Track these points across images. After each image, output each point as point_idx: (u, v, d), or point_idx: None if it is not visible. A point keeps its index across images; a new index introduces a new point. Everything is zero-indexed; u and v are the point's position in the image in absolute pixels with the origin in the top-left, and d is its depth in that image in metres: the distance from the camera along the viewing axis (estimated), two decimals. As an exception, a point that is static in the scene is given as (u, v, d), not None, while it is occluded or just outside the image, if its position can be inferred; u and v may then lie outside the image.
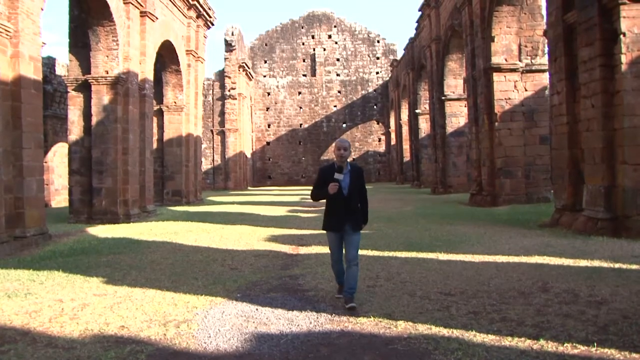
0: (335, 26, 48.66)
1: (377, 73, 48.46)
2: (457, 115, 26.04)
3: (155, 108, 20.94)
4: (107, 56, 15.22)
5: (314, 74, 48.32)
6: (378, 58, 48.55)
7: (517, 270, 6.90)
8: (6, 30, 9.68)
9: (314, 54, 48.33)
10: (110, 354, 4.16)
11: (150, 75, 17.67)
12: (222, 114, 38.24)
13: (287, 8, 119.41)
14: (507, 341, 4.22)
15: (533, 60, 17.51)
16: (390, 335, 4.48)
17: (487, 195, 17.46)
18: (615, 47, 9.67)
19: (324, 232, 5.72)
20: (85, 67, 15.26)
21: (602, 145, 9.83)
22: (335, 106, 48.28)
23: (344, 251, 5.60)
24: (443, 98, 26.26)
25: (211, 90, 38.36)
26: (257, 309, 5.38)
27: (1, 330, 4.82)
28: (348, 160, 5.58)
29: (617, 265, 6.92)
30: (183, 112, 22.46)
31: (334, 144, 5.65)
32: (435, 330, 4.55)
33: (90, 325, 4.91)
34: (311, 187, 5.82)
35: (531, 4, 17.22)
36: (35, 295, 6.12)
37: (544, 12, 15.37)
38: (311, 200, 6.20)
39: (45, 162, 21.84)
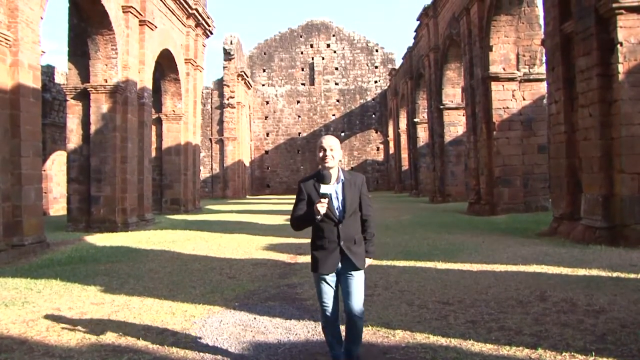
0: (333, 35, 48.84)
1: (376, 82, 48.57)
2: (456, 124, 26.07)
3: (154, 116, 20.96)
4: (106, 65, 15.28)
5: (312, 82, 48.43)
6: (376, 67, 48.69)
7: (515, 279, 6.89)
8: (6, 39, 9.72)
9: (313, 62, 48.46)
10: (107, 363, 4.15)
11: (149, 84, 17.72)
12: (220, 122, 38.30)
13: (286, 17, 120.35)
14: (505, 350, 4.22)
15: (531, 70, 17.59)
16: (388, 345, 4.47)
17: (485, 204, 17.47)
18: (612, 56, 9.73)
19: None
20: (84, 75, 15.32)
21: (600, 154, 9.86)
22: (333, 115, 48.35)
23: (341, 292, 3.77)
24: (441, 107, 26.31)
25: (210, 99, 38.43)
26: (254, 318, 5.37)
27: (-2, 339, 4.80)
28: (339, 167, 3.73)
29: (615, 274, 6.92)
30: (182, 120, 22.47)
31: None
32: (433, 339, 4.54)
33: (88, 334, 4.90)
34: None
35: (529, 14, 17.34)
36: (33, 303, 6.10)
37: (541, 21, 15.45)
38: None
39: (44, 171, 21.83)
